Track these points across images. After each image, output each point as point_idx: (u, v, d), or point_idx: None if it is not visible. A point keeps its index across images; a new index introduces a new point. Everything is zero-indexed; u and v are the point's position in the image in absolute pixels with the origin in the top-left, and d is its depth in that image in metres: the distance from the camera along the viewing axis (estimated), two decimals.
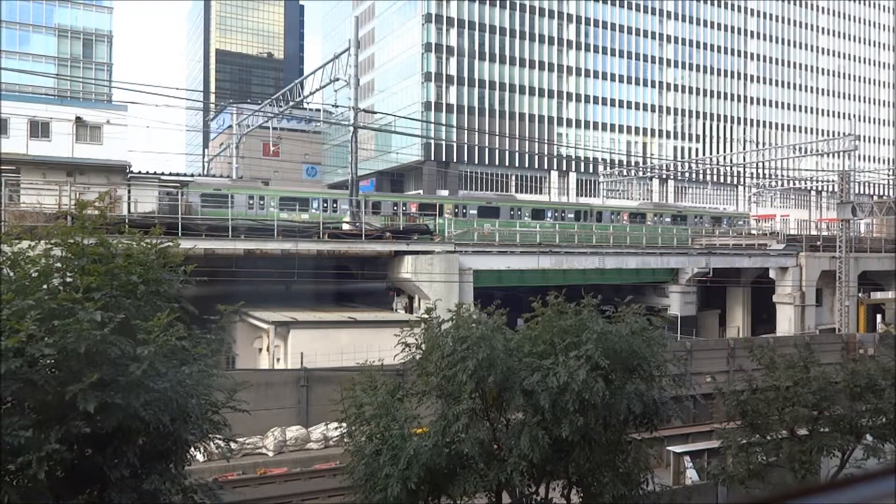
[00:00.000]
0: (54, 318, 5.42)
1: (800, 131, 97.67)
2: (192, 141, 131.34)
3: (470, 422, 8.39)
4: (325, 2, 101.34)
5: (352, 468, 9.09)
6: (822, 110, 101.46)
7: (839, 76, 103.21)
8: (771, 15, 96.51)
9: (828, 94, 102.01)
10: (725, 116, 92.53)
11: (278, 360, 25.42)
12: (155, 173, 40.06)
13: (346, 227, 32.05)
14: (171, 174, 42.95)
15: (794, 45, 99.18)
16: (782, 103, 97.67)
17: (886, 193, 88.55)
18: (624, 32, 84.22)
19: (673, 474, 18.22)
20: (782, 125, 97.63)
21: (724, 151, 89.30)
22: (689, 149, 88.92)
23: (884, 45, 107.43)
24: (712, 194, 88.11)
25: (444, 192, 67.28)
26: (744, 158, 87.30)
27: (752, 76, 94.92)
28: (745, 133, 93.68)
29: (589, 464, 9.30)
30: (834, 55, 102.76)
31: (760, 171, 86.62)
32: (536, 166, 77.97)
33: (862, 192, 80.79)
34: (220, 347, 6.69)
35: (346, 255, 29.84)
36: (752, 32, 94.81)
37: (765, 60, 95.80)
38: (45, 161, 35.00)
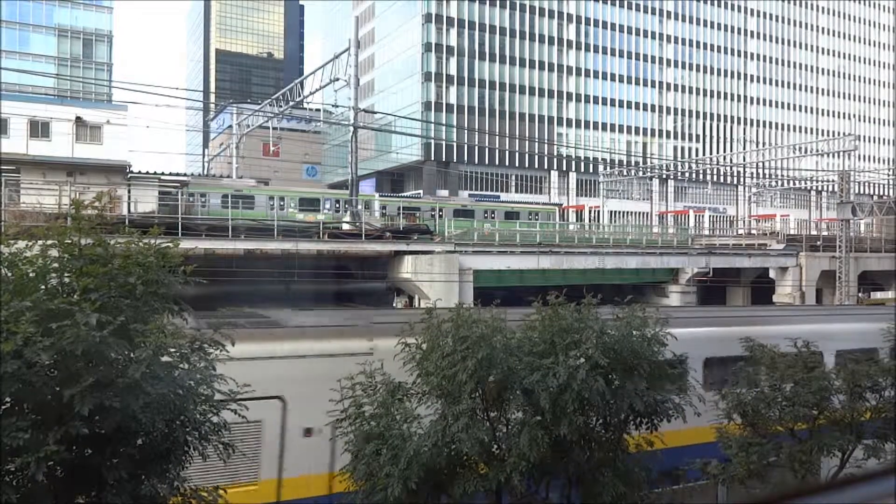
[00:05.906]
0: (52, 319, 5.40)
1: (800, 131, 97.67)
2: (193, 141, 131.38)
3: (470, 422, 8.38)
4: (325, 2, 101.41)
5: (352, 468, 9.07)
6: (822, 110, 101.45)
7: (839, 76, 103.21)
8: (771, 15, 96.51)
9: (828, 94, 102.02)
10: (725, 116, 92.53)
11: None
12: (155, 173, 40.06)
13: (345, 227, 32.09)
14: (170, 174, 42.92)
15: (794, 45, 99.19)
16: (782, 103, 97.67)
17: (886, 193, 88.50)
18: (624, 32, 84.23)
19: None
20: (782, 125, 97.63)
21: (724, 151, 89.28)
22: (689, 149, 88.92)
23: (884, 45, 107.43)
24: (712, 194, 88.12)
25: (444, 192, 67.30)
26: (744, 158, 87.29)
27: (752, 76, 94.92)
28: (745, 133, 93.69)
29: (589, 463, 9.30)
30: (834, 55, 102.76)
31: (760, 171, 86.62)
32: (536, 166, 77.96)
33: (862, 192, 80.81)
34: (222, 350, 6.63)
35: (346, 255, 29.85)
36: (752, 32, 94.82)
37: (765, 60, 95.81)
38: (45, 161, 35.00)
